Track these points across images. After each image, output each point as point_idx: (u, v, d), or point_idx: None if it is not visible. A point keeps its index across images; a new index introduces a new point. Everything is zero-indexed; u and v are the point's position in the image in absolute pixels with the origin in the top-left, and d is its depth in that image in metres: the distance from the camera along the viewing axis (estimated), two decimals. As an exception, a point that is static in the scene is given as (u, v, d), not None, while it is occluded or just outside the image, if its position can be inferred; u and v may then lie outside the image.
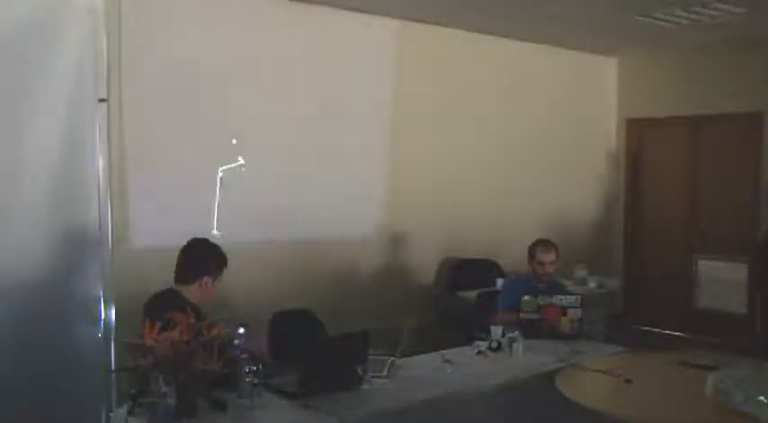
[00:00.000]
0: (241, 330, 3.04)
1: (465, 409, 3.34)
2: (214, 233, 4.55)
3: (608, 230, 7.71)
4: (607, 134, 7.75)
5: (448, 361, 3.61)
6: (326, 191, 5.45)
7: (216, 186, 4.90)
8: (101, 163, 3.38)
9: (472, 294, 5.48)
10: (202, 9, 4.87)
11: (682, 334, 6.63)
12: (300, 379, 3.06)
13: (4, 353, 3.15)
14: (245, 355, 2.92)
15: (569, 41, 6.90)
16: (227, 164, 4.95)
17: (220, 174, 4.88)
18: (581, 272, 6.15)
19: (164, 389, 2.64)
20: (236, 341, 2.99)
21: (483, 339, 3.86)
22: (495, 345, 3.82)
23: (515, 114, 6.76)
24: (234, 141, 4.96)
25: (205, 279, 3.32)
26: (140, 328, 2.99)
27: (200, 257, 3.37)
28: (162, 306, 3.12)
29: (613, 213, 7.74)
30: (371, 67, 5.81)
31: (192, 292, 3.28)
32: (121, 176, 4.41)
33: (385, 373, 3.35)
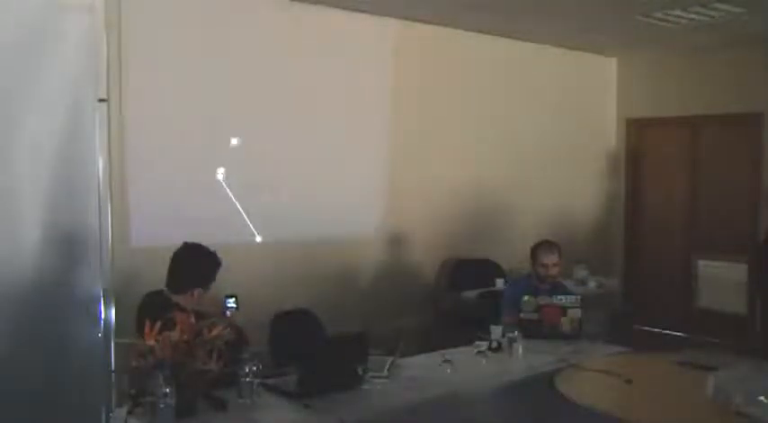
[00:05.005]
0: (231, 301, 3.15)
1: (465, 409, 3.34)
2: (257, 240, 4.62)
3: (608, 230, 7.71)
4: (607, 134, 7.76)
5: (448, 361, 3.60)
6: (326, 191, 5.45)
7: (216, 187, 4.91)
8: (101, 163, 3.36)
9: (472, 294, 5.49)
10: (202, 9, 4.87)
11: (682, 334, 6.63)
12: (300, 379, 3.06)
13: (2, 353, 3.14)
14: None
15: (569, 41, 6.90)
16: (227, 164, 4.96)
17: (222, 175, 4.88)
18: (581, 272, 6.14)
19: (164, 389, 2.64)
20: (227, 313, 3.12)
21: (483, 339, 3.86)
22: (495, 345, 3.82)
23: (515, 114, 6.76)
24: (234, 141, 4.97)
25: (197, 291, 3.31)
26: (134, 328, 3.00)
27: (192, 267, 3.35)
28: (157, 305, 3.13)
29: (613, 213, 7.74)
30: (372, 67, 5.81)
31: (183, 300, 3.27)
32: (121, 176, 4.42)
33: (385, 373, 3.35)
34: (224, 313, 3.14)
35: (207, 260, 3.37)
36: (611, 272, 7.07)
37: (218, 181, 4.98)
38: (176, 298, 3.28)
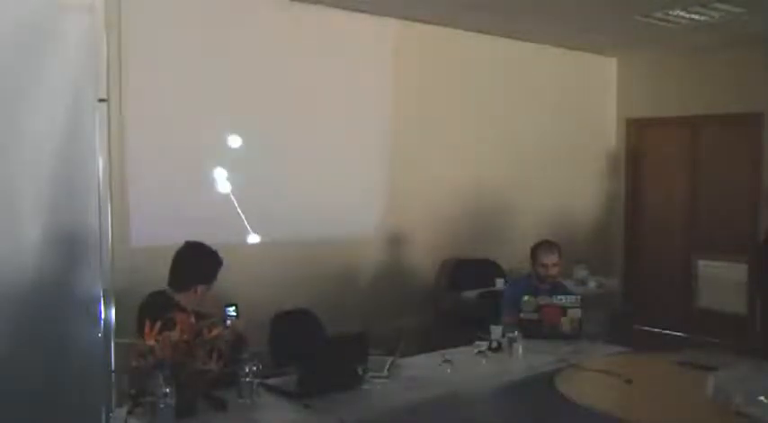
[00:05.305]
0: (231, 310, 3.14)
1: (465, 409, 3.34)
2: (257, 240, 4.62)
3: (608, 230, 7.71)
4: (607, 134, 7.75)
5: (448, 361, 3.60)
6: (327, 191, 5.44)
7: (216, 187, 4.92)
8: (101, 163, 3.36)
9: (472, 294, 5.49)
10: (202, 9, 4.87)
11: (682, 334, 6.63)
12: (300, 379, 3.06)
13: (2, 353, 3.14)
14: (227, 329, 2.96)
15: (569, 41, 6.90)
16: (227, 164, 4.96)
17: (222, 175, 4.88)
18: (581, 272, 6.14)
19: (164, 389, 2.64)
20: (228, 322, 3.08)
21: (483, 339, 3.86)
22: (495, 345, 3.82)
23: (515, 114, 6.76)
24: (234, 141, 4.97)
25: (200, 287, 3.32)
26: (135, 328, 3.01)
27: (194, 264, 3.36)
28: (159, 305, 3.13)
29: (613, 213, 7.74)
30: (372, 67, 5.80)
31: (185, 299, 3.28)
32: (121, 176, 4.42)
33: (385, 373, 3.35)
34: (224, 321, 3.14)
35: (209, 258, 3.38)
36: (611, 272, 7.07)
37: (219, 181, 4.98)
38: (179, 296, 3.29)
